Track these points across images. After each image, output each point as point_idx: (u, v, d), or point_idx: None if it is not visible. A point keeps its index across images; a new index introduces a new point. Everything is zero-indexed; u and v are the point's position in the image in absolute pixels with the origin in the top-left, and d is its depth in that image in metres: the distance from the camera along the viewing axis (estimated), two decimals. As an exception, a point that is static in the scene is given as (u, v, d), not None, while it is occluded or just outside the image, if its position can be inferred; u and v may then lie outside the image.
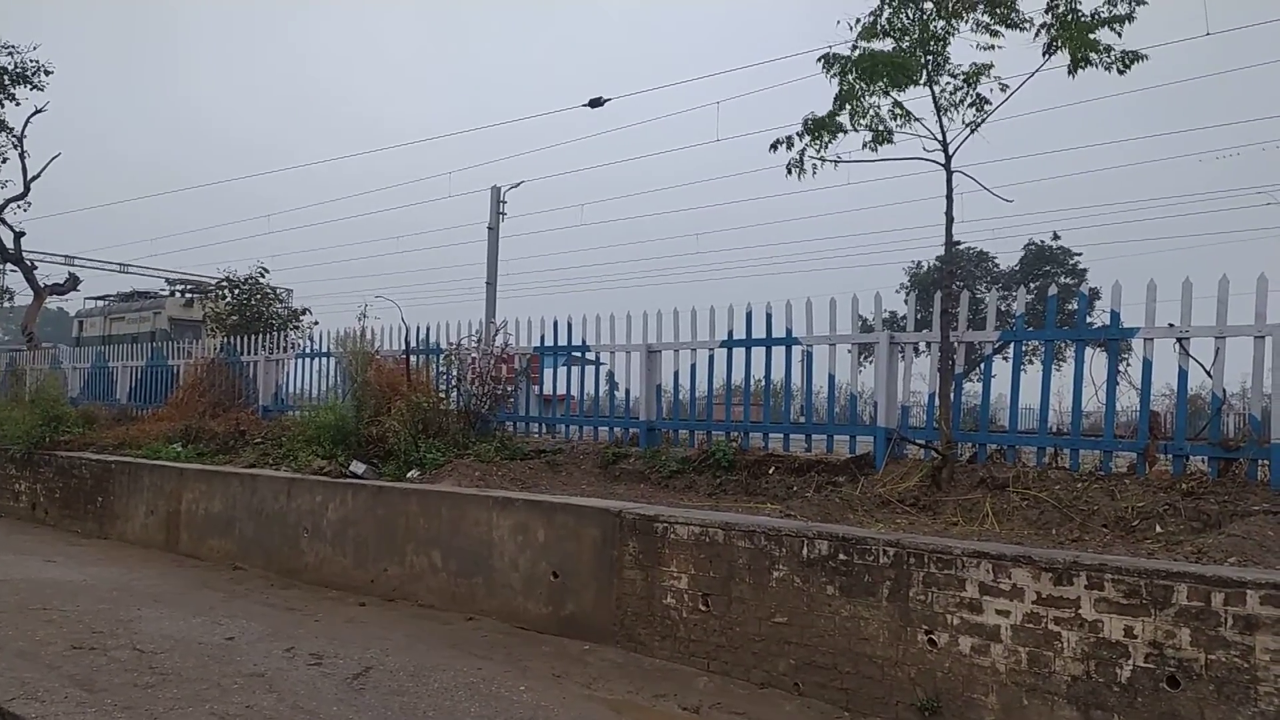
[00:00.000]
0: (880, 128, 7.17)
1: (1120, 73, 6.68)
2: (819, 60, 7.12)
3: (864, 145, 7.30)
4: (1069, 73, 6.76)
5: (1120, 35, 6.59)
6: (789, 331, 8.52)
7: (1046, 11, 6.72)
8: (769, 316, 8.64)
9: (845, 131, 7.23)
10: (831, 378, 8.30)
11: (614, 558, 6.87)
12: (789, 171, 7.36)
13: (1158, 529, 5.67)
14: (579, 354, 10.39)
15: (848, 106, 7.10)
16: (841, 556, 5.73)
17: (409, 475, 9.29)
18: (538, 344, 10.64)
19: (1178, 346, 6.47)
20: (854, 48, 7.03)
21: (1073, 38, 6.57)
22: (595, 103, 22.08)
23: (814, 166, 7.37)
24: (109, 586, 8.77)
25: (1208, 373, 6.36)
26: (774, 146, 7.38)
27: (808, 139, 7.24)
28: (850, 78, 6.98)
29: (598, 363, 10.38)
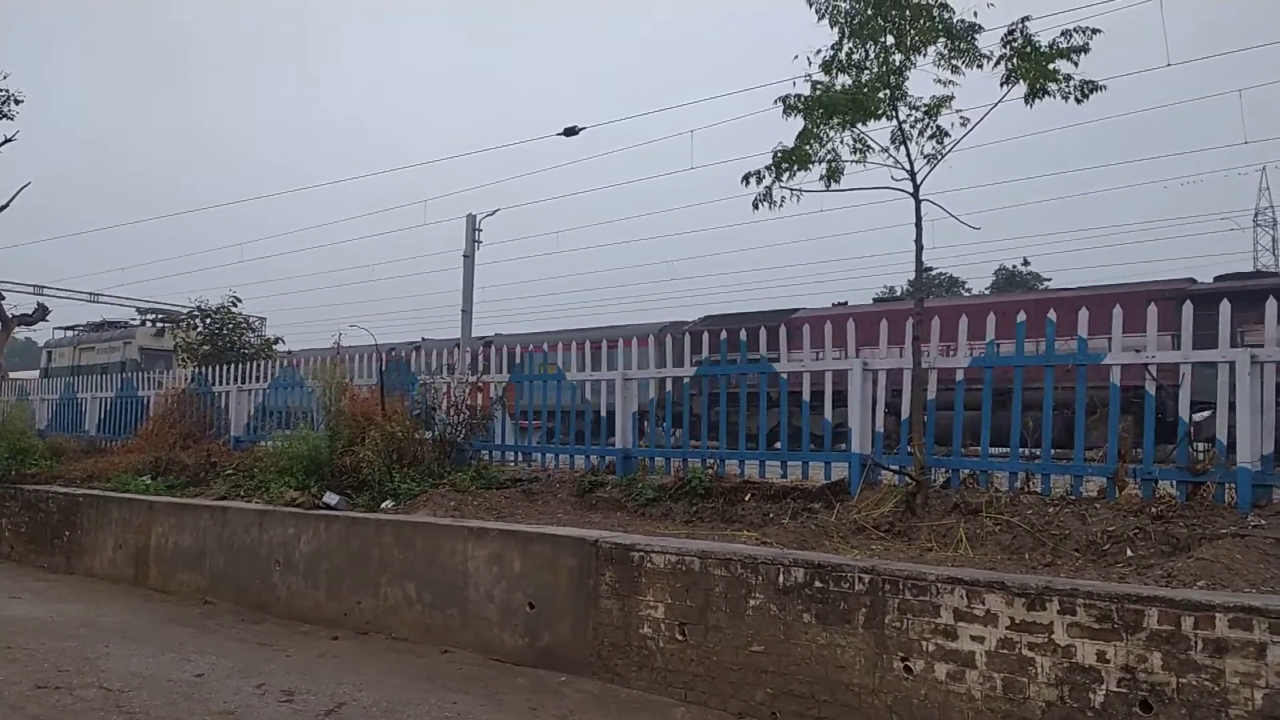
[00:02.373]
0: (841, 160, 7.31)
1: (1079, 102, 6.83)
2: (775, 102, 7.26)
3: (822, 177, 7.43)
4: (1026, 102, 6.91)
5: (1077, 65, 6.74)
6: (764, 357, 8.55)
7: (1003, 44, 6.87)
8: (744, 343, 8.68)
9: (814, 163, 7.35)
10: (805, 403, 8.33)
11: (590, 587, 6.84)
12: (755, 206, 7.47)
13: (1128, 553, 5.72)
14: (556, 381, 10.37)
15: (811, 143, 7.23)
16: (817, 584, 5.73)
17: (383, 506, 9.21)
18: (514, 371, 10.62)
19: (1145, 371, 6.57)
20: (813, 86, 7.16)
21: (1030, 69, 6.71)
22: (570, 131, 22.22)
23: (783, 198, 7.48)
24: (76, 623, 8.60)
25: (1174, 397, 6.45)
26: (745, 180, 7.48)
27: (776, 172, 7.35)
28: (812, 116, 7.11)
29: (574, 389, 10.36)
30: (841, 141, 7.31)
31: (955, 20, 6.95)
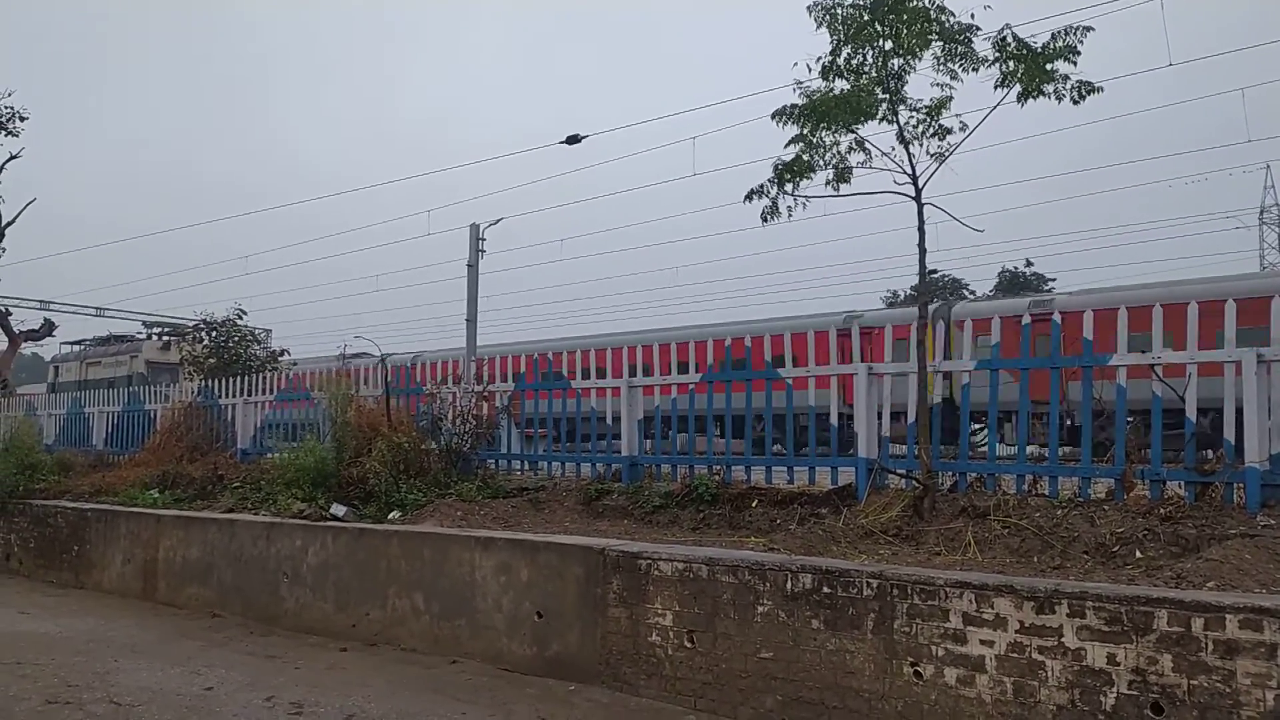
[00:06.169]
0: (843, 165, 7.31)
1: (1075, 103, 6.80)
2: (772, 116, 7.26)
3: (826, 183, 7.44)
4: (1019, 102, 6.89)
5: (1075, 65, 6.71)
6: (768, 364, 8.55)
7: (996, 48, 6.85)
8: (748, 349, 8.68)
9: (814, 172, 7.35)
10: (812, 408, 8.32)
11: (598, 596, 6.83)
12: (765, 220, 7.49)
13: (1138, 554, 5.70)
14: (561, 389, 10.37)
15: (811, 151, 7.24)
16: (825, 590, 5.72)
17: (390, 516, 9.21)
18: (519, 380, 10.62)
19: (1151, 372, 6.55)
20: (807, 95, 7.16)
21: (1027, 70, 6.69)
22: (573, 139, 22.21)
23: (788, 209, 7.49)
24: (85, 638, 8.62)
25: (1181, 398, 6.42)
26: (749, 197, 7.51)
27: (779, 183, 7.36)
28: (807, 124, 7.12)
29: (579, 398, 10.36)
30: (844, 147, 7.31)
31: (952, 23, 6.94)
